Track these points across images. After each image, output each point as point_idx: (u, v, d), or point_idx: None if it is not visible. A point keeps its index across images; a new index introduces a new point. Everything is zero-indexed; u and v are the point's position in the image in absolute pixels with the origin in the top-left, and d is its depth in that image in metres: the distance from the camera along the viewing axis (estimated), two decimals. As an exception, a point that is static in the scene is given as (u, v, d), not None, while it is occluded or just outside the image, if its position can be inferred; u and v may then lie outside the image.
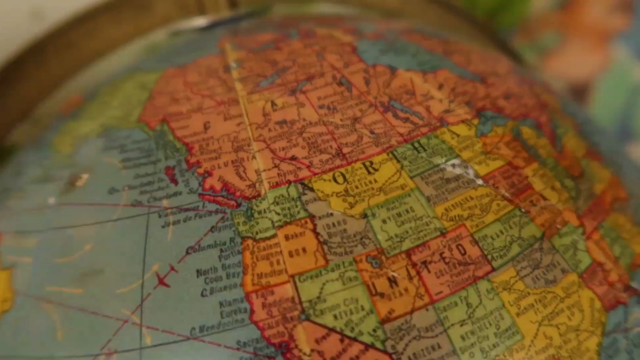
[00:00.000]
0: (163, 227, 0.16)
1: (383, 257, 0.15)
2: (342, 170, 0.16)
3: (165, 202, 0.16)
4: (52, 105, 0.25)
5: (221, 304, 0.14)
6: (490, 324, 0.14)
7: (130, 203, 0.16)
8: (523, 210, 0.16)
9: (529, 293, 0.15)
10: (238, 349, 0.14)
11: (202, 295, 0.14)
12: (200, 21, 0.27)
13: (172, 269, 0.15)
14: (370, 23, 0.23)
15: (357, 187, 0.16)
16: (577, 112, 0.22)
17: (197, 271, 0.15)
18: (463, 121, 0.18)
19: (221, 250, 0.15)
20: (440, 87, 0.19)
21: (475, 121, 0.18)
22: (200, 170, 0.17)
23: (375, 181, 0.16)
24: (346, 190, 0.16)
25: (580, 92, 0.52)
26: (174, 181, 0.17)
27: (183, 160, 0.17)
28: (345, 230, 0.15)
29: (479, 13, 0.50)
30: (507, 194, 0.17)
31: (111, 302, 0.15)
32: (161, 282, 0.15)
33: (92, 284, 0.15)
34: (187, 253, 0.15)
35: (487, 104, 0.19)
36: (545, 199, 0.17)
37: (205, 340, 0.14)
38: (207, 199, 0.16)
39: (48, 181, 0.19)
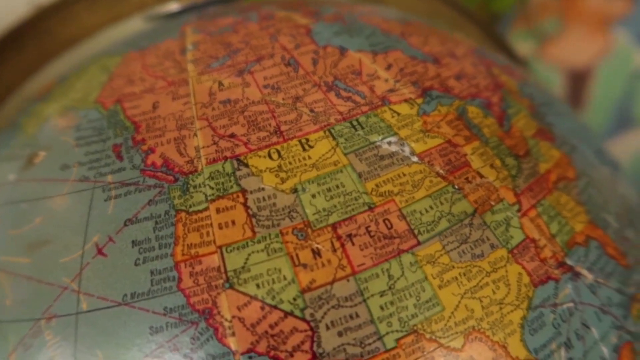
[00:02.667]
0: (105, 200, 0.16)
1: (309, 230, 0.15)
2: (278, 147, 0.17)
3: (109, 178, 0.17)
4: (30, 90, 0.26)
5: (152, 273, 0.15)
6: (410, 295, 0.15)
7: (79, 178, 0.17)
8: (456, 187, 0.17)
9: (453, 267, 0.15)
10: (164, 315, 0.14)
11: (135, 264, 0.15)
12: (174, 6, 0.27)
13: (110, 239, 0.16)
14: (332, 7, 0.24)
15: (290, 164, 0.16)
16: (535, 94, 0.22)
17: (133, 242, 0.16)
18: (406, 100, 0.18)
19: (156, 223, 0.16)
20: (389, 67, 0.20)
21: (419, 100, 0.19)
22: (145, 147, 0.17)
23: (309, 157, 0.16)
24: (279, 166, 0.16)
25: (580, 78, 0.51)
26: (120, 157, 0.17)
27: (130, 138, 0.18)
28: (274, 204, 0.16)
29: (472, -2, 0.50)
30: (441, 171, 0.17)
31: (54, 271, 0.16)
32: (99, 252, 0.16)
33: (38, 254, 0.16)
34: (125, 225, 0.16)
35: (435, 83, 0.19)
36: (482, 176, 0.17)
37: (136, 306, 0.15)
38: (148, 174, 0.17)
39: (12, 159, 0.20)
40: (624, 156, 0.49)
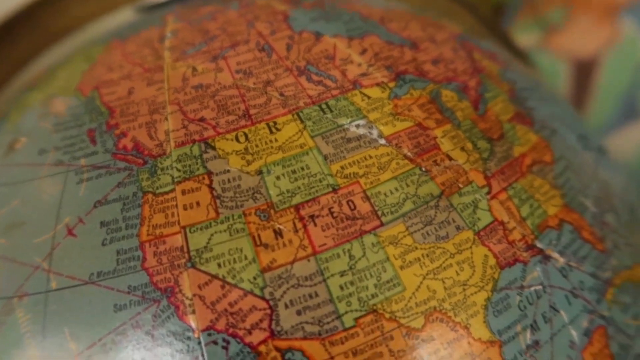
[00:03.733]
0: (77, 183, 0.17)
1: (272, 211, 0.15)
2: (246, 130, 0.17)
3: (82, 161, 0.17)
4: (23, 82, 0.27)
5: (118, 252, 0.15)
6: (371, 276, 0.15)
7: (54, 162, 0.18)
8: (423, 169, 0.17)
9: (416, 248, 0.15)
10: (128, 293, 0.15)
11: (102, 244, 0.16)
12: (163, -2, 0.28)
13: (81, 220, 0.16)
14: (315, -7, 0.24)
15: (257, 146, 0.16)
16: (518, 79, 0.22)
17: (101, 222, 0.16)
18: (378, 84, 0.18)
19: (124, 204, 0.16)
20: (363, 52, 0.20)
21: (392, 84, 0.18)
22: (117, 132, 0.18)
23: (276, 140, 0.17)
24: (246, 149, 0.16)
25: (586, 68, 0.51)
26: (93, 142, 0.18)
27: (104, 122, 0.18)
28: (239, 185, 0.16)
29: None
30: (409, 154, 0.17)
31: (27, 251, 0.16)
32: (70, 232, 0.16)
33: (14, 235, 0.17)
34: (95, 206, 0.16)
35: (410, 68, 0.19)
36: (451, 159, 0.17)
37: (101, 285, 0.15)
38: (119, 157, 0.17)
39: (-4, 146, 0.20)
40: (630, 147, 0.48)
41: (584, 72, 0.50)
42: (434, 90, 0.19)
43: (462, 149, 0.18)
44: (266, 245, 0.15)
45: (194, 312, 0.14)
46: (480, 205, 0.17)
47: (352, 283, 0.15)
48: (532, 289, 0.16)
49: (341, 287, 0.15)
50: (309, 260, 0.15)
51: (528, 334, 0.16)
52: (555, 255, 0.17)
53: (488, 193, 0.17)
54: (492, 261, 0.16)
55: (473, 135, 0.18)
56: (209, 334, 0.14)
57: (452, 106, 0.19)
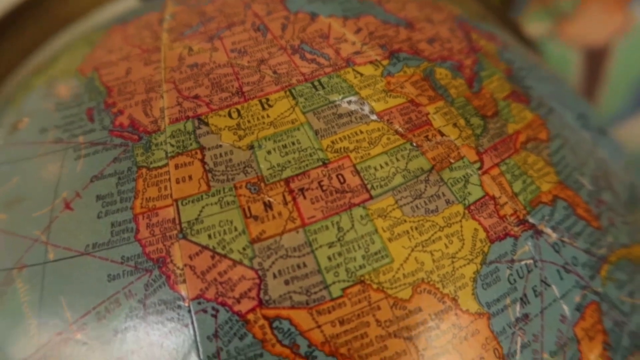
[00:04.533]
0: (75, 159, 0.17)
1: (262, 184, 0.16)
2: (239, 106, 0.17)
3: (81, 138, 0.18)
4: (29, 68, 0.28)
5: (112, 225, 0.16)
6: (359, 247, 0.15)
7: (54, 140, 0.18)
8: (414, 144, 0.17)
9: (405, 220, 0.15)
10: (122, 263, 0.15)
11: (98, 217, 0.16)
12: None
13: (78, 195, 0.17)
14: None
15: (249, 122, 0.17)
16: (516, 59, 0.22)
17: (97, 196, 0.16)
18: (371, 62, 0.18)
19: (119, 178, 0.16)
20: (358, 31, 0.20)
21: (385, 62, 0.19)
22: (115, 110, 0.18)
23: (268, 116, 0.17)
24: (238, 125, 0.17)
25: (597, 57, 0.50)
26: (91, 120, 0.18)
27: (102, 101, 0.18)
28: (230, 160, 0.16)
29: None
30: (400, 129, 0.17)
31: (27, 225, 0.17)
32: (67, 206, 0.16)
33: (14, 210, 0.17)
34: (91, 181, 0.17)
35: (404, 46, 0.19)
36: (443, 134, 0.17)
37: (96, 256, 0.15)
38: (115, 134, 0.17)
39: (1, 127, 0.21)
40: (642, 135, 0.47)
41: (595, 60, 0.50)
42: (427, 68, 0.19)
43: (455, 125, 0.18)
44: (256, 217, 0.15)
45: (184, 281, 0.15)
46: (471, 180, 0.17)
47: (340, 254, 0.15)
48: (523, 263, 0.16)
49: (329, 258, 0.15)
50: (297, 232, 0.15)
51: (517, 307, 0.16)
52: (548, 230, 0.17)
53: (480, 168, 0.17)
54: (482, 235, 0.16)
55: (466, 112, 0.18)
56: (199, 303, 0.14)
57: (445, 84, 0.19)
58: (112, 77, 0.19)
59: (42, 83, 0.22)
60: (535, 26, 0.51)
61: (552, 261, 0.16)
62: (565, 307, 0.16)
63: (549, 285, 0.16)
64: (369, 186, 0.16)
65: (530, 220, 0.17)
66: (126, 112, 0.18)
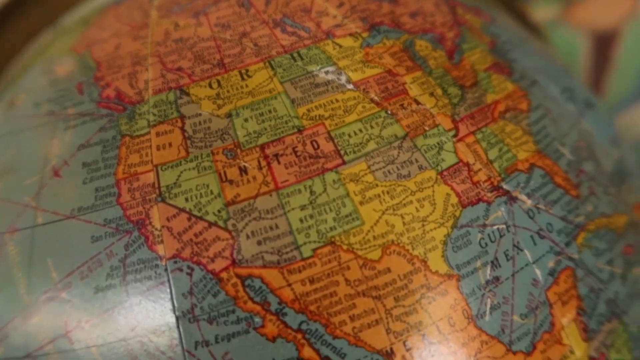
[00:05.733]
0: (65, 130, 0.18)
1: (238, 150, 0.16)
2: (219, 77, 0.18)
3: (70, 110, 0.18)
4: (33, 50, 0.29)
5: (97, 189, 0.16)
6: (330, 210, 0.15)
7: (46, 113, 0.19)
8: (389, 112, 0.17)
9: (377, 185, 0.16)
10: (104, 225, 0.16)
11: (83, 183, 0.17)
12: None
13: (66, 163, 0.17)
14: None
15: (228, 92, 0.17)
16: (502, 33, 0.22)
17: (83, 163, 0.17)
18: (351, 34, 0.19)
19: (104, 146, 0.17)
20: (340, 5, 0.20)
21: (365, 34, 0.19)
22: (103, 83, 0.19)
23: (247, 86, 0.17)
24: (218, 94, 0.17)
25: (606, 41, 0.49)
26: (81, 93, 0.19)
27: (92, 75, 0.19)
28: (209, 127, 0.17)
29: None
30: (376, 98, 0.17)
31: (19, 192, 0.18)
32: (56, 174, 0.17)
33: (8, 179, 0.18)
34: (78, 150, 0.17)
35: (386, 20, 0.20)
36: (419, 103, 0.17)
37: (81, 219, 0.16)
38: (102, 105, 0.18)
39: (1, 105, 0.22)
40: (650, 119, 0.46)
41: (603, 45, 0.49)
42: (408, 40, 0.19)
43: (432, 94, 0.18)
44: (231, 182, 0.16)
45: (162, 242, 0.15)
46: (445, 147, 0.17)
47: (311, 216, 0.15)
48: (495, 227, 0.16)
49: (301, 220, 0.15)
50: (270, 195, 0.15)
51: (488, 269, 0.16)
52: (523, 197, 0.17)
53: (455, 136, 0.17)
54: (454, 199, 0.16)
55: (444, 82, 0.18)
56: (175, 262, 0.15)
57: (425, 55, 0.19)
58: (103, 53, 0.20)
59: (39, 62, 0.22)
60: (544, 11, 0.51)
61: (526, 227, 0.17)
62: (537, 272, 0.16)
63: (521, 250, 0.16)
64: (342, 152, 0.16)
65: (505, 186, 0.17)
66: (113, 84, 0.18)
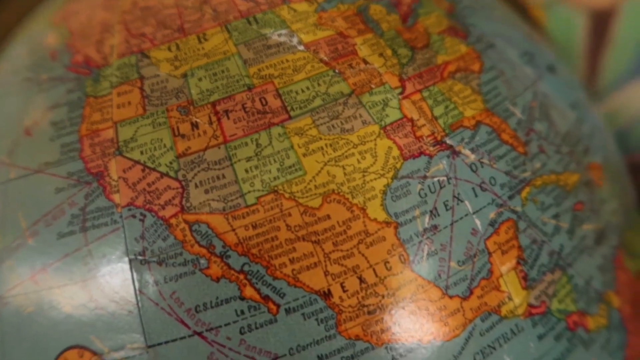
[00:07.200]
0: (38, 93, 0.19)
1: (191, 107, 0.17)
2: (178, 41, 0.19)
3: (44, 76, 0.20)
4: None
5: (62, 146, 0.18)
6: (275, 161, 0.16)
7: (23, 79, 0.20)
8: (337, 71, 0.18)
9: (320, 138, 0.17)
10: (67, 178, 0.17)
11: (51, 140, 0.18)
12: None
13: (36, 123, 0.19)
14: None
15: (185, 54, 0.18)
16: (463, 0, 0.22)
17: (51, 123, 0.18)
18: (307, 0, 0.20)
19: (70, 107, 0.18)
20: (300, -26, 0.21)
21: (321, 0, 0.20)
22: (74, 50, 0.20)
23: (203, 49, 0.18)
24: (175, 57, 0.18)
25: (603, 18, 0.49)
26: (54, 60, 0.20)
27: (65, 43, 0.20)
28: (165, 87, 0.18)
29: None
30: (325, 58, 0.18)
31: (-4, 151, 0.19)
32: (27, 133, 0.19)
33: (-14, 140, 0.20)
34: (48, 110, 0.19)
35: (343, -13, 0.20)
36: (367, 63, 0.18)
37: (47, 172, 0.17)
38: (71, 70, 0.19)
39: (-12, 75, 0.23)
40: (646, 96, 0.46)
41: (600, 22, 0.48)
42: (362, 5, 0.20)
43: (381, 55, 0.18)
44: (183, 136, 0.17)
45: (118, 191, 0.16)
46: (390, 104, 0.18)
47: (256, 167, 0.16)
48: (436, 179, 0.17)
49: (246, 171, 0.16)
50: (219, 148, 0.16)
51: (427, 218, 0.16)
52: (466, 152, 0.18)
53: (401, 94, 0.18)
54: (395, 152, 0.17)
55: (395, 43, 0.19)
56: (129, 209, 0.16)
57: (378, 19, 0.19)
58: (77, 23, 0.21)
59: (21, 35, 0.24)
60: (542, -10, 0.50)
61: (468, 179, 0.17)
62: (477, 222, 0.17)
63: (461, 201, 0.17)
64: (288, 108, 0.17)
65: (448, 141, 0.18)
66: (82, 51, 0.20)
